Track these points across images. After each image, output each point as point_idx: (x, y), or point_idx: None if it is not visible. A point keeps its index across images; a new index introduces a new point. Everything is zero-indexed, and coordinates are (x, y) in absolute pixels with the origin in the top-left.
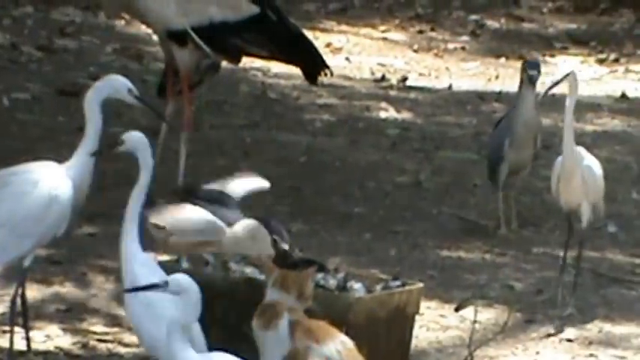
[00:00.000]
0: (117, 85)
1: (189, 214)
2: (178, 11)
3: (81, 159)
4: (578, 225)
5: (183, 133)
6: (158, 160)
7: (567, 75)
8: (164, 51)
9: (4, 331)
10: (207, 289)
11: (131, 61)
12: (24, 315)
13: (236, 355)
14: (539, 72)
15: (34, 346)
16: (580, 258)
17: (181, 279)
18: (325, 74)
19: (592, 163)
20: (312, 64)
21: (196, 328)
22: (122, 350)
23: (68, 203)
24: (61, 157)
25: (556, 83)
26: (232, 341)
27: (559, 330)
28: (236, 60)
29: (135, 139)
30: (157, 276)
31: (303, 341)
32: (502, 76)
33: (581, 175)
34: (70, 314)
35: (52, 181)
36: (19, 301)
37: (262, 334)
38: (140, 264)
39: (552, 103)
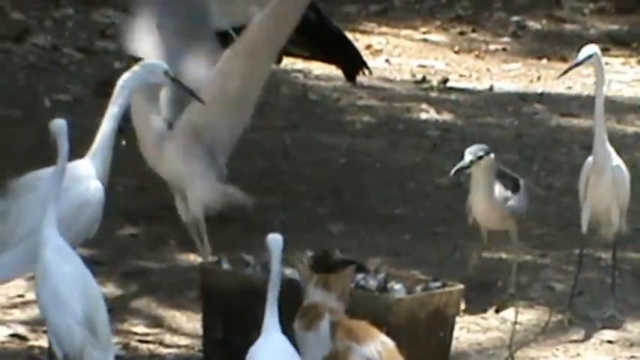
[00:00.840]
0: (153, 68)
1: None
2: (220, 12)
3: (102, 144)
4: (605, 234)
5: None
6: None
7: (590, 56)
8: None
9: (44, 332)
10: (248, 290)
11: None
12: None
13: None
14: (471, 162)
15: None
16: (615, 259)
17: None
18: (364, 74)
19: (621, 164)
20: (352, 63)
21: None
22: (163, 351)
23: (99, 207)
24: None
25: (576, 64)
26: None
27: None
28: (277, 60)
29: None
30: (71, 263)
31: (344, 341)
32: (544, 78)
33: (611, 173)
34: (112, 315)
35: (81, 186)
36: None
37: (304, 335)
38: (52, 249)
39: (594, 104)
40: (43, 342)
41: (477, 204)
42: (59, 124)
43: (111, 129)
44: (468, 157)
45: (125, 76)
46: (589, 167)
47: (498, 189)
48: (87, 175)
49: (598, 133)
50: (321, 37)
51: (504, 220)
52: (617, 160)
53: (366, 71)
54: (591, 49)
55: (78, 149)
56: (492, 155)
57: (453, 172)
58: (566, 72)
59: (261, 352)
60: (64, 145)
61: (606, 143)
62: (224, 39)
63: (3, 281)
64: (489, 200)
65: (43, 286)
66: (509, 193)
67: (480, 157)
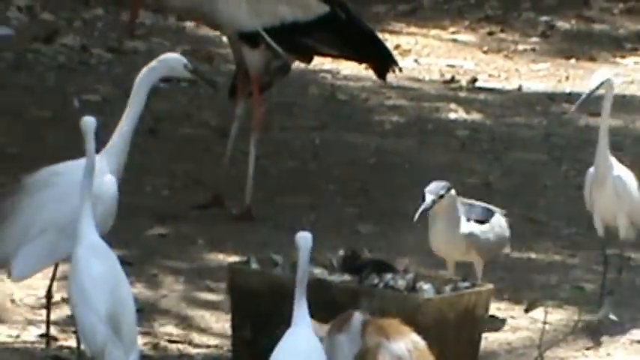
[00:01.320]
0: (173, 63)
1: None
2: (250, 13)
3: (120, 139)
4: (617, 239)
5: (254, 134)
6: (228, 161)
7: (603, 82)
8: (234, 53)
9: (74, 332)
10: (276, 290)
11: (201, 63)
12: None
13: None
14: (433, 202)
15: None
16: (622, 269)
17: None
18: (394, 71)
19: (623, 173)
20: (382, 60)
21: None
22: (192, 351)
23: (113, 201)
24: (130, 158)
25: (592, 92)
26: None
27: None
28: (307, 59)
29: None
30: (102, 261)
31: (374, 337)
32: (572, 77)
33: (612, 184)
34: (141, 315)
35: (95, 180)
36: None
37: (336, 339)
38: (85, 246)
39: (623, 103)
40: (73, 342)
41: (437, 238)
42: (89, 122)
43: (129, 127)
44: (430, 197)
45: (143, 72)
46: (591, 178)
47: (461, 222)
48: (101, 170)
49: (601, 147)
50: (352, 36)
51: (468, 253)
52: (619, 170)
53: (396, 70)
54: (605, 74)
55: None
56: (453, 191)
57: (417, 215)
58: (582, 102)
59: (285, 353)
60: (91, 142)
61: (608, 156)
62: (255, 40)
63: (21, 278)
64: (451, 235)
65: (72, 281)
66: (473, 225)
67: (442, 196)
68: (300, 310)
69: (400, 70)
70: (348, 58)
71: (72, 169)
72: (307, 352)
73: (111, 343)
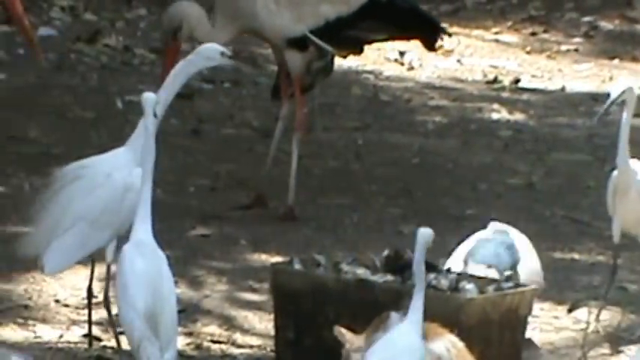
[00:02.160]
0: (208, 53)
1: None
2: (293, 19)
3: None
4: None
5: (296, 134)
6: (271, 161)
7: (624, 92)
8: (275, 54)
9: (120, 332)
10: (319, 290)
11: (244, 64)
12: (108, 314)
13: None
14: None
15: None
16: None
17: None
18: (442, 39)
19: None
20: (430, 32)
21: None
22: (235, 351)
23: None
24: (173, 159)
25: (613, 101)
26: None
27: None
28: (358, 51)
29: None
30: (146, 259)
31: None
32: (615, 78)
33: (637, 191)
34: (184, 315)
35: (124, 171)
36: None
37: (375, 337)
38: (132, 242)
39: None
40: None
41: None
42: (149, 98)
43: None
44: None
45: (180, 64)
46: (615, 182)
47: None
48: (128, 162)
49: (621, 155)
50: (396, 17)
51: None
52: None
53: (445, 35)
54: (626, 82)
55: None
56: None
57: None
58: (603, 113)
59: (381, 345)
60: (150, 119)
61: (629, 163)
62: (303, 44)
63: (54, 273)
64: None
65: (118, 276)
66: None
67: None
68: (414, 307)
69: (450, 35)
70: (396, 38)
71: (99, 162)
72: (401, 348)
73: (146, 339)
